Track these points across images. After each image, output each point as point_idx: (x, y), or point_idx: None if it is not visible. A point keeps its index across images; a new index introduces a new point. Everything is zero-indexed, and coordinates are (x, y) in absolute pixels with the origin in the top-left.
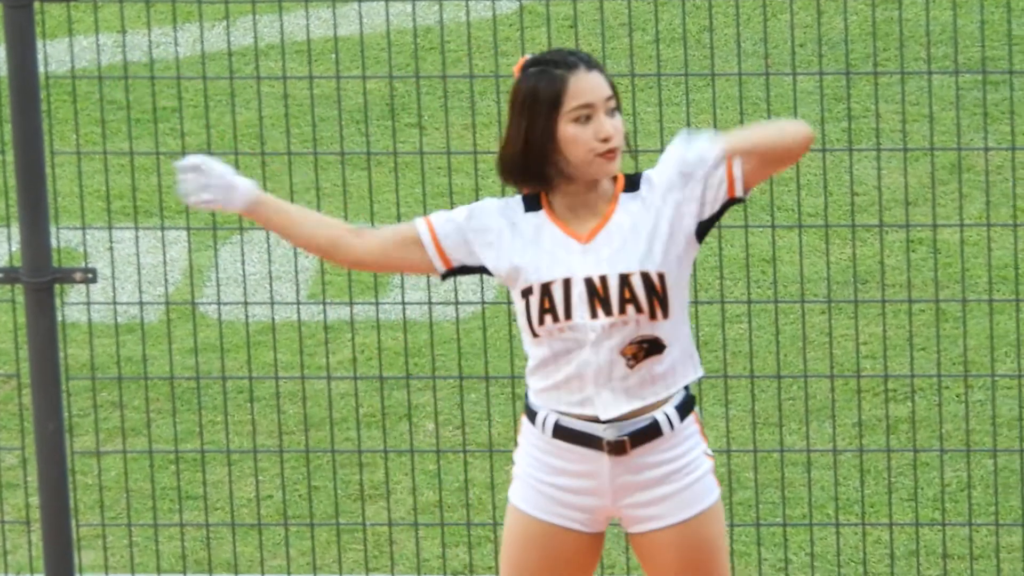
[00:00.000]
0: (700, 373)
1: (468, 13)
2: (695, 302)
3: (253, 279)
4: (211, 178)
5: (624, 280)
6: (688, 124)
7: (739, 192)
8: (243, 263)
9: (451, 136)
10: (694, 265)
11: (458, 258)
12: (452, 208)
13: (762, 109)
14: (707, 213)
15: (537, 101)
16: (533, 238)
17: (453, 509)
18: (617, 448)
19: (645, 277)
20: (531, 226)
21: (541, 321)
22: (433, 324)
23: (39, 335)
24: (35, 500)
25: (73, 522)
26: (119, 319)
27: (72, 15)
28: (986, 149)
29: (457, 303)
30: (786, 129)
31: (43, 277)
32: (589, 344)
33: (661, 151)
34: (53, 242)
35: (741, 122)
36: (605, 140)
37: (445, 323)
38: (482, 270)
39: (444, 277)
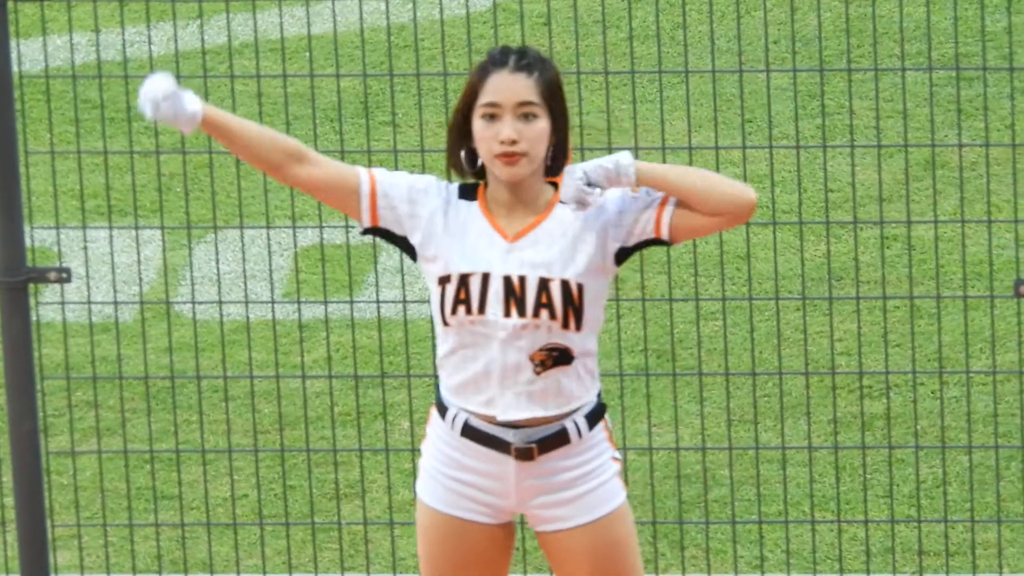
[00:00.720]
0: (596, 403)
1: (442, 11)
2: (670, 299)
3: (227, 278)
4: (167, 98)
5: (543, 284)
6: (662, 121)
7: (664, 235)
8: (217, 262)
9: (425, 134)
10: (668, 263)
11: (388, 220)
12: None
13: (736, 106)
14: (631, 242)
15: (466, 90)
16: (461, 227)
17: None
18: (524, 454)
19: (564, 285)
20: (462, 214)
21: (454, 311)
22: (408, 322)
23: (13, 335)
24: (10, 500)
25: (48, 522)
26: (93, 319)
27: (46, 14)
28: (960, 145)
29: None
30: (721, 184)
31: (17, 277)
32: (498, 341)
33: (635, 148)
34: (27, 241)
35: (715, 119)
36: (502, 143)
37: (420, 321)
38: (403, 243)
39: (365, 232)
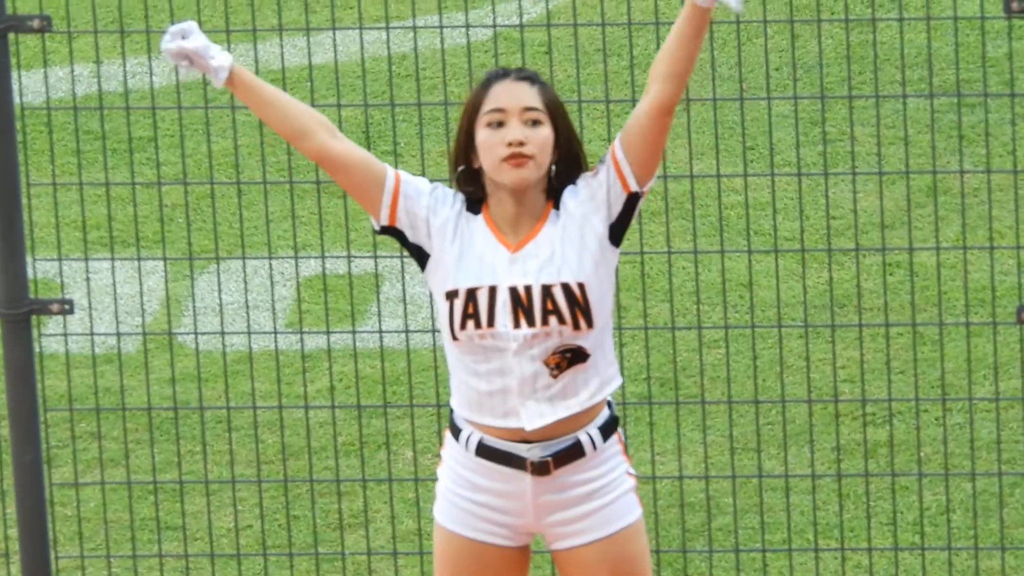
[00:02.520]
0: (620, 381)
1: (443, 40)
2: (672, 327)
3: (230, 308)
4: (193, 43)
5: (546, 291)
6: (663, 149)
7: (633, 187)
8: (220, 292)
9: (427, 163)
10: (670, 291)
11: (403, 224)
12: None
13: (737, 133)
14: (614, 214)
15: (467, 105)
16: (468, 239)
17: (432, 537)
18: (540, 468)
19: (566, 288)
20: (469, 226)
21: (463, 326)
22: (411, 352)
23: (16, 367)
24: (14, 532)
25: (52, 554)
26: (96, 350)
27: (47, 46)
28: (962, 172)
29: (435, 331)
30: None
31: (20, 308)
32: (511, 353)
33: None
34: (30, 273)
35: (716, 146)
36: (510, 144)
37: (423, 351)
38: (416, 250)
39: (378, 232)
